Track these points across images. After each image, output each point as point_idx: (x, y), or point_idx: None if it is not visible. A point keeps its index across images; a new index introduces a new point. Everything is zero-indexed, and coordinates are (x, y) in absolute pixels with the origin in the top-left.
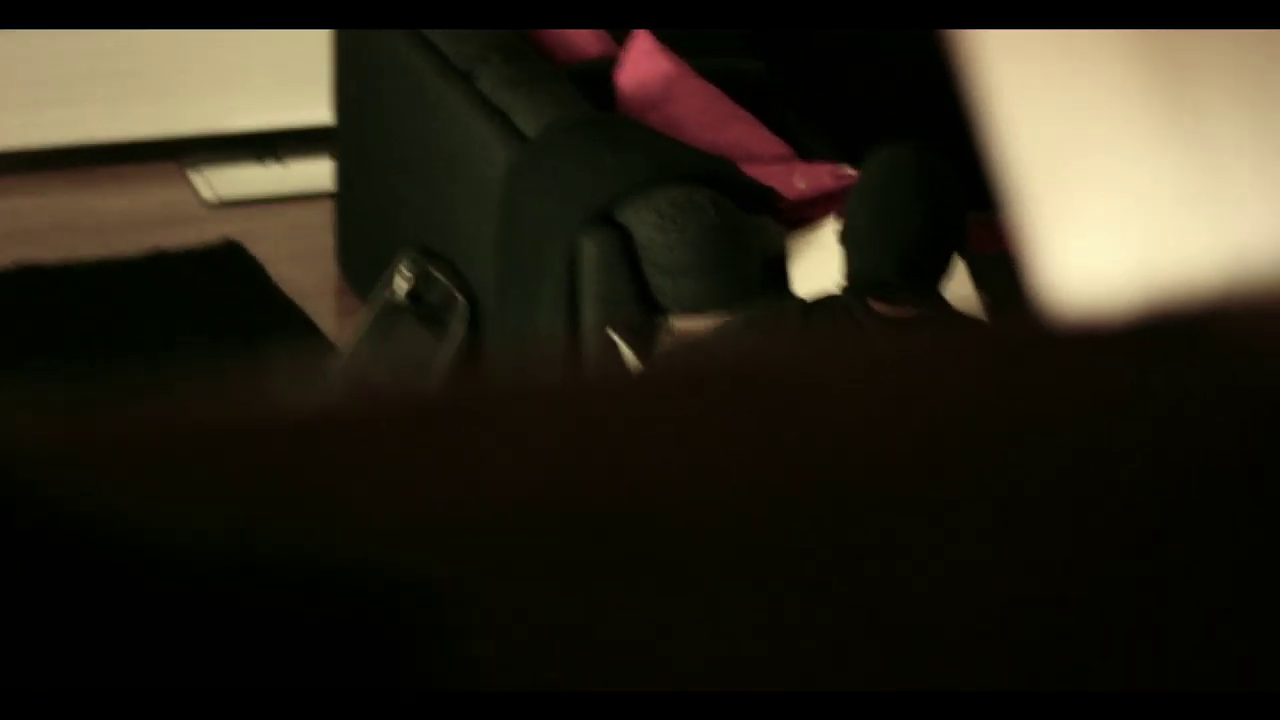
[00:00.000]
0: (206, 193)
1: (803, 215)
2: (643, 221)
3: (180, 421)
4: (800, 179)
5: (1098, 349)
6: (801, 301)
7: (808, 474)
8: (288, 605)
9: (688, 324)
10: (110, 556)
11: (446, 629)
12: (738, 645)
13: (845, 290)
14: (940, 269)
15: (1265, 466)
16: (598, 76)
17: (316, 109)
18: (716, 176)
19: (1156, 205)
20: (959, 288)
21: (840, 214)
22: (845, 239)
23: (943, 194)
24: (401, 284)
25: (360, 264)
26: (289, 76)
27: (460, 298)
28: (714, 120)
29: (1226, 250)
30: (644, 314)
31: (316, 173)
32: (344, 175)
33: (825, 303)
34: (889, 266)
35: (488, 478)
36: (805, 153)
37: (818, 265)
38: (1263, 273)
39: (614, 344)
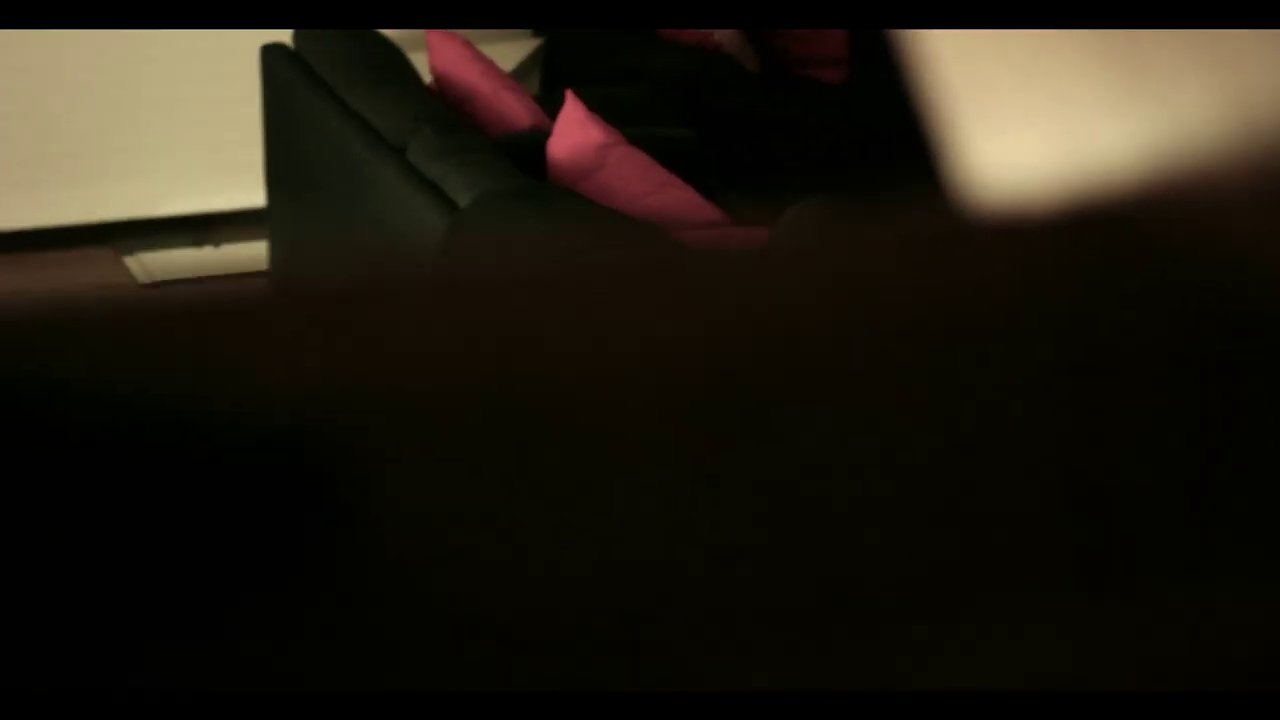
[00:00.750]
0: (141, 276)
1: None
2: None
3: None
4: (735, 245)
5: (1016, 242)
6: None
7: (727, 348)
8: (195, 452)
9: None
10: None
11: (351, 476)
12: (651, 520)
13: None
14: None
15: (1185, 361)
16: (530, 147)
17: (251, 192)
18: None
19: (1078, 99)
20: None
21: None
22: None
23: None
24: None
25: None
26: (222, 160)
27: None
28: (647, 188)
29: (1149, 144)
30: None
31: (251, 254)
32: (277, 256)
33: None
34: None
35: (394, 349)
36: (738, 220)
37: None
38: (1185, 167)
39: None
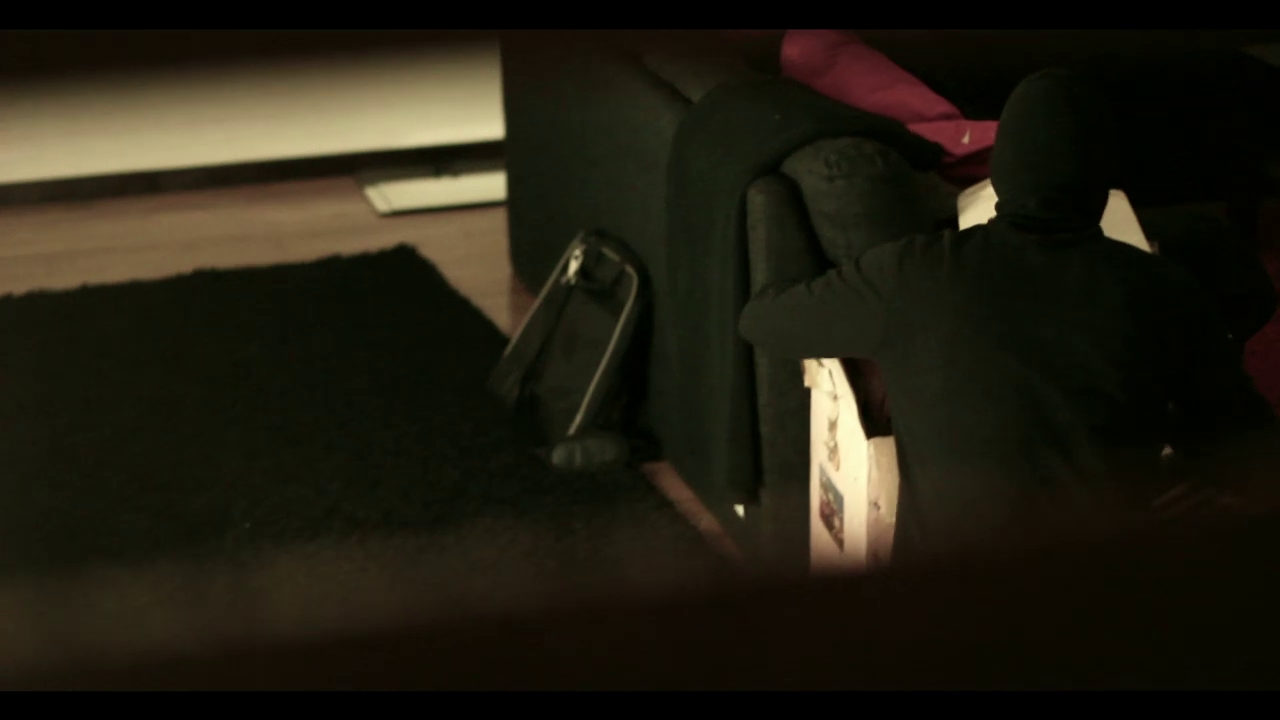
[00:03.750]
0: (380, 204)
1: (970, 173)
2: (810, 172)
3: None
4: (967, 135)
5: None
6: (953, 233)
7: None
8: None
9: None
10: None
11: None
12: None
13: (994, 220)
14: (1087, 195)
15: None
16: (762, 53)
17: (489, 125)
18: (883, 131)
19: None
20: (1120, 222)
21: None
22: (993, 168)
23: (1088, 121)
24: (573, 264)
25: (533, 261)
26: (461, 93)
27: (631, 270)
28: (878, 83)
29: None
30: (815, 268)
31: (488, 185)
32: (515, 177)
33: (973, 232)
34: (1030, 195)
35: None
36: (973, 113)
37: (986, 220)
38: None
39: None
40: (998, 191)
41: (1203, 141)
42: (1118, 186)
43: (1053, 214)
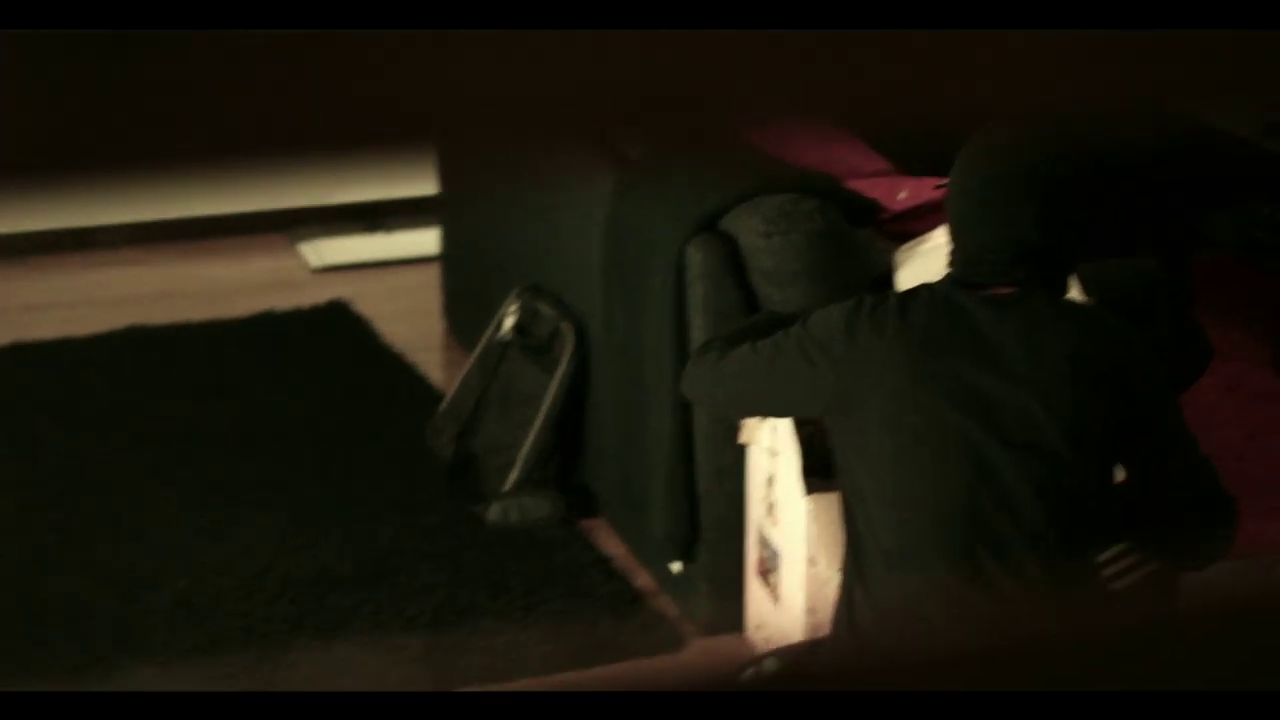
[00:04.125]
0: (313, 260)
1: (907, 229)
2: (748, 229)
3: None
4: (903, 192)
5: None
6: (900, 294)
7: None
8: None
9: None
10: None
11: None
12: None
13: (943, 277)
14: (1043, 253)
15: None
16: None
17: (422, 181)
18: (820, 187)
19: None
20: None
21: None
22: (953, 216)
23: (1043, 177)
24: (509, 320)
25: (467, 317)
26: (394, 149)
27: (567, 327)
28: (816, 139)
29: None
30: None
31: (421, 241)
32: (449, 233)
33: (919, 292)
34: (979, 251)
35: None
36: (906, 170)
37: (924, 275)
38: None
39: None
40: (955, 240)
41: (1137, 196)
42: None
43: (1000, 270)
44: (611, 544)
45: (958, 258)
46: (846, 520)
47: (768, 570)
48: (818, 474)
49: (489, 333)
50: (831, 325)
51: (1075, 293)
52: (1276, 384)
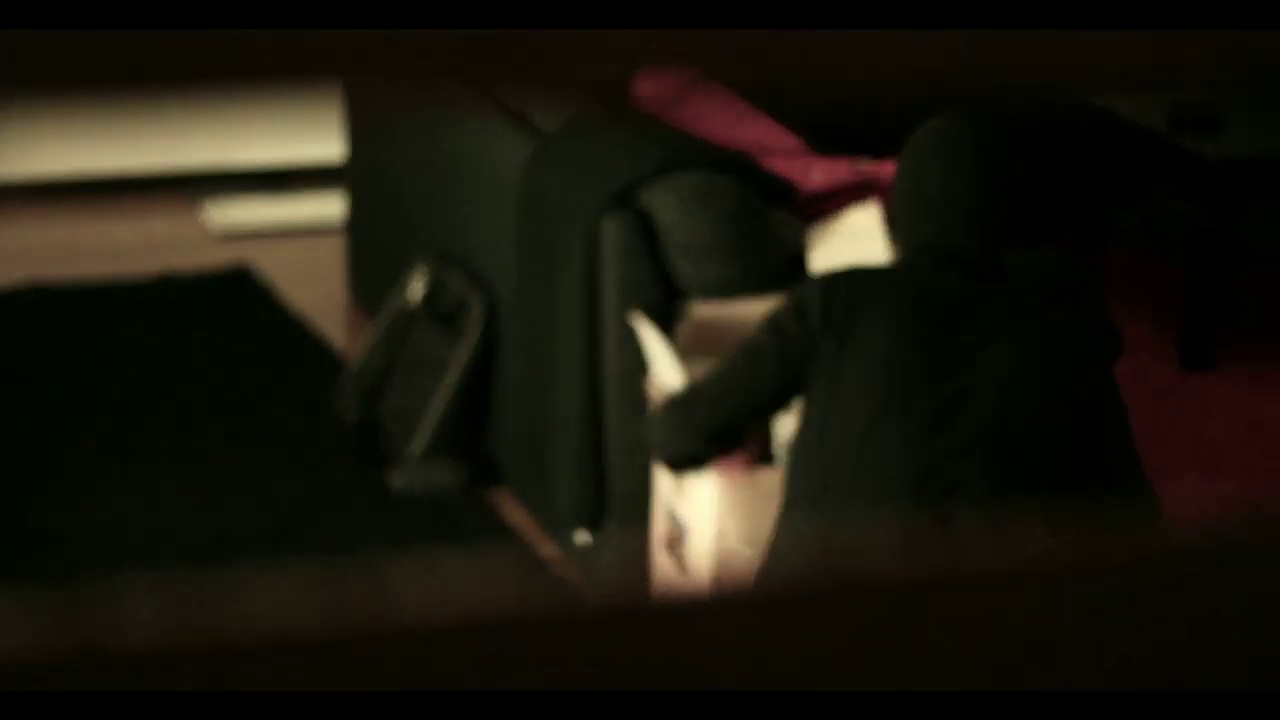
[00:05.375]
0: (217, 223)
1: (819, 209)
2: (664, 204)
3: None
4: (816, 173)
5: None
6: (870, 272)
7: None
8: None
9: (708, 310)
10: None
11: None
12: None
13: (911, 259)
14: (1008, 232)
15: None
16: (614, 86)
17: (328, 146)
18: (735, 165)
19: None
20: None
21: (883, 194)
22: (903, 208)
23: (999, 158)
24: (416, 289)
25: (372, 285)
26: (301, 112)
27: (476, 297)
28: (730, 118)
29: None
30: (664, 299)
31: (326, 207)
32: (355, 201)
33: (889, 274)
34: (964, 231)
35: None
36: (820, 149)
37: (836, 257)
38: None
39: (635, 329)
40: (903, 232)
41: (1050, 188)
42: (1022, 239)
43: (957, 250)
44: (517, 513)
45: (914, 241)
46: (789, 495)
47: (674, 542)
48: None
49: (396, 301)
50: (805, 301)
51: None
52: (1179, 377)
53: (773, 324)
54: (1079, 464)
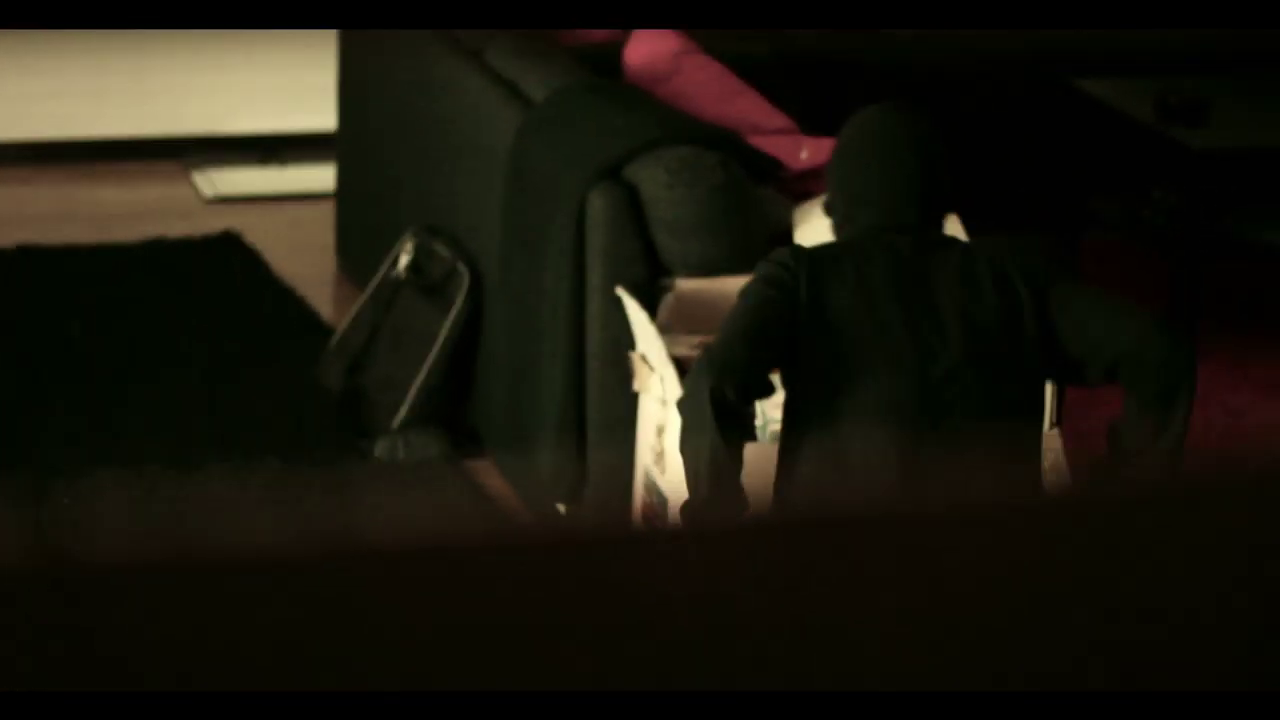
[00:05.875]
0: (206, 190)
1: (807, 188)
2: (651, 179)
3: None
4: (804, 151)
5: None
6: (835, 245)
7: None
8: None
9: (692, 285)
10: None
11: None
12: None
13: (866, 231)
14: (945, 202)
15: None
16: (605, 57)
17: (320, 115)
18: (724, 142)
19: None
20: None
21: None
22: (847, 200)
23: (930, 142)
24: (404, 259)
25: (361, 254)
26: (294, 81)
27: (462, 268)
28: (720, 94)
29: None
30: (650, 273)
31: (316, 176)
32: (346, 169)
33: (854, 245)
34: (906, 213)
35: None
36: (809, 128)
37: (823, 235)
38: None
39: (620, 303)
40: (848, 220)
41: (1028, 173)
42: (953, 209)
43: (897, 212)
44: (497, 484)
45: (861, 224)
46: (785, 446)
47: (654, 514)
48: None
49: (383, 270)
50: (784, 258)
51: (958, 230)
52: None
53: (761, 278)
54: (1076, 340)
